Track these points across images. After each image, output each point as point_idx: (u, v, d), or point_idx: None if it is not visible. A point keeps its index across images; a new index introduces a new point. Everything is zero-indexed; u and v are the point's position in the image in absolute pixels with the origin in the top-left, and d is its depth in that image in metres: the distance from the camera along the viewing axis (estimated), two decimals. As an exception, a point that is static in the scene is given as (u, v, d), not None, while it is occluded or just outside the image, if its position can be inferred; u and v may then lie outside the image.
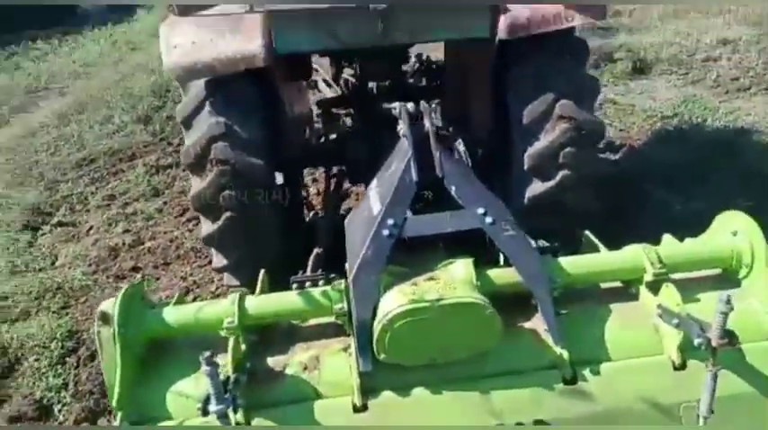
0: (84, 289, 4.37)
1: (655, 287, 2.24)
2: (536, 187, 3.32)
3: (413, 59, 4.54)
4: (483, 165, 3.82)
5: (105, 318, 2.08)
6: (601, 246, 2.58)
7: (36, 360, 3.70)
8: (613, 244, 2.53)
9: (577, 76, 3.20)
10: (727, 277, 2.36)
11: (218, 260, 3.43)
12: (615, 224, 4.13)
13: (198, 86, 3.16)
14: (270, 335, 2.32)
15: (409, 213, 2.33)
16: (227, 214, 3.17)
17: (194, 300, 4.01)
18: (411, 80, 4.47)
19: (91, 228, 5.31)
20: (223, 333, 2.13)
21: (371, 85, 3.82)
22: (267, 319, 2.28)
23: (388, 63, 3.82)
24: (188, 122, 3.19)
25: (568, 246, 2.70)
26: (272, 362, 2.18)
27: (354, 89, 4.36)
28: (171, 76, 3.05)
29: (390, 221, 2.29)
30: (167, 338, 2.27)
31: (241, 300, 2.21)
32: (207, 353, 1.78)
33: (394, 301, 2.03)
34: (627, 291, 2.41)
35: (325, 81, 4.88)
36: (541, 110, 3.18)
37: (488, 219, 2.29)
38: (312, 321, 2.37)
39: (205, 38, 3.05)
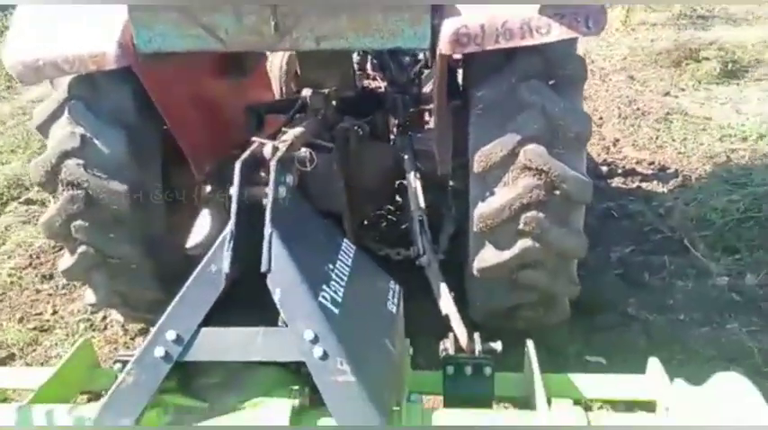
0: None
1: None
2: (487, 256, 2.45)
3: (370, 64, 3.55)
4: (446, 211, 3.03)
5: None
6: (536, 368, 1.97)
7: None
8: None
9: (556, 112, 2.26)
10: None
11: (89, 296, 2.82)
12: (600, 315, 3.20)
13: (63, 84, 2.50)
14: None
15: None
16: (82, 248, 2.55)
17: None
18: (365, 91, 3.44)
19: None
20: None
21: (306, 93, 2.95)
22: None
23: (328, 66, 2.94)
24: (44, 130, 2.55)
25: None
26: None
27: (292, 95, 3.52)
28: (12, 74, 2.36)
29: (170, 335, 1.62)
30: None
31: None
32: None
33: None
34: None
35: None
36: (500, 155, 2.28)
37: (317, 351, 1.57)
38: None
39: (59, 26, 2.35)
